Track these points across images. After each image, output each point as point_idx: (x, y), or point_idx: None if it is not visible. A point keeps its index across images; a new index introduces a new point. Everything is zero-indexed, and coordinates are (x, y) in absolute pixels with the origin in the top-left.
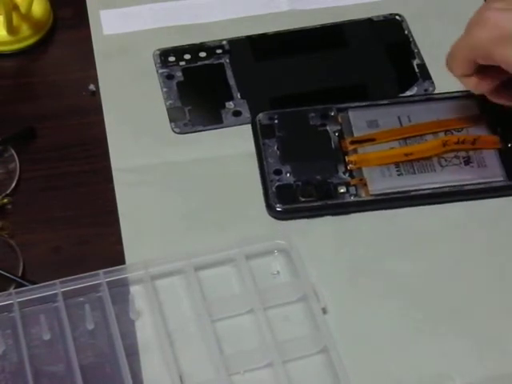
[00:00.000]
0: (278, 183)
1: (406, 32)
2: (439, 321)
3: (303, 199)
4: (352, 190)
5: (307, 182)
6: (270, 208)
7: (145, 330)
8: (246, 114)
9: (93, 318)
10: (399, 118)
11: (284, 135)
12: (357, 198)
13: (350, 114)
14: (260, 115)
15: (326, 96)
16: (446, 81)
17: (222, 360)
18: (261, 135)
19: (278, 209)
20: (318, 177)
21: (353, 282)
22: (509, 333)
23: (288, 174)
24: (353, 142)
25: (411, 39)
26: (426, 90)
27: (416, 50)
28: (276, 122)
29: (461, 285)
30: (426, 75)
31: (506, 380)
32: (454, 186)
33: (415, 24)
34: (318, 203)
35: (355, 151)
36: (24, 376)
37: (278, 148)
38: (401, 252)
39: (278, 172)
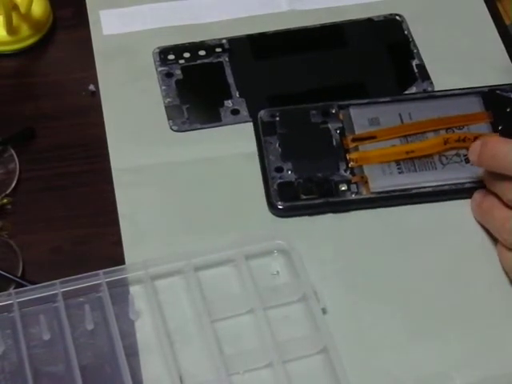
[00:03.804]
0: (279, 181)
1: (406, 32)
2: (439, 320)
3: (304, 197)
4: (353, 187)
5: (308, 179)
6: (271, 206)
7: (145, 330)
8: (245, 112)
9: (93, 318)
10: (400, 115)
11: (285, 132)
12: (358, 196)
13: (352, 111)
14: (261, 112)
15: (325, 96)
16: (444, 81)
17: (221, 360)
18: (262, 132)
19: (280, 206)
20: (320, 174)
21: (353, 282)
22: (509, 333)
23: (289, 172)
24: (354, 140)
25: (411, 39)
26: (424, 91)
27: (415, 51)
28: (277, 119)
29: (461, 284)
30: (425, 75)
31: (506, 380)
32: (455, 183)
33: (415, 24)
34: (319, 201)
35: (356, 149)
36: (24, 376)
37: (279, 145)
38: (401, 250)
39: (279, 169)
